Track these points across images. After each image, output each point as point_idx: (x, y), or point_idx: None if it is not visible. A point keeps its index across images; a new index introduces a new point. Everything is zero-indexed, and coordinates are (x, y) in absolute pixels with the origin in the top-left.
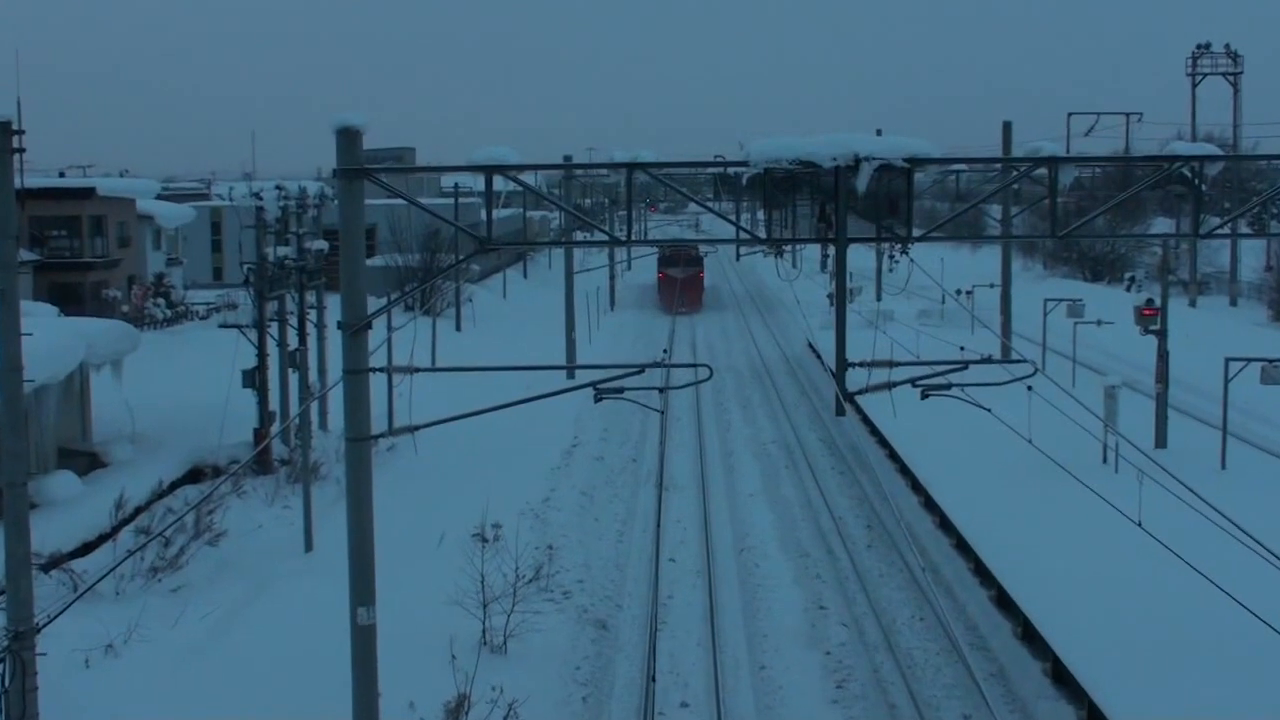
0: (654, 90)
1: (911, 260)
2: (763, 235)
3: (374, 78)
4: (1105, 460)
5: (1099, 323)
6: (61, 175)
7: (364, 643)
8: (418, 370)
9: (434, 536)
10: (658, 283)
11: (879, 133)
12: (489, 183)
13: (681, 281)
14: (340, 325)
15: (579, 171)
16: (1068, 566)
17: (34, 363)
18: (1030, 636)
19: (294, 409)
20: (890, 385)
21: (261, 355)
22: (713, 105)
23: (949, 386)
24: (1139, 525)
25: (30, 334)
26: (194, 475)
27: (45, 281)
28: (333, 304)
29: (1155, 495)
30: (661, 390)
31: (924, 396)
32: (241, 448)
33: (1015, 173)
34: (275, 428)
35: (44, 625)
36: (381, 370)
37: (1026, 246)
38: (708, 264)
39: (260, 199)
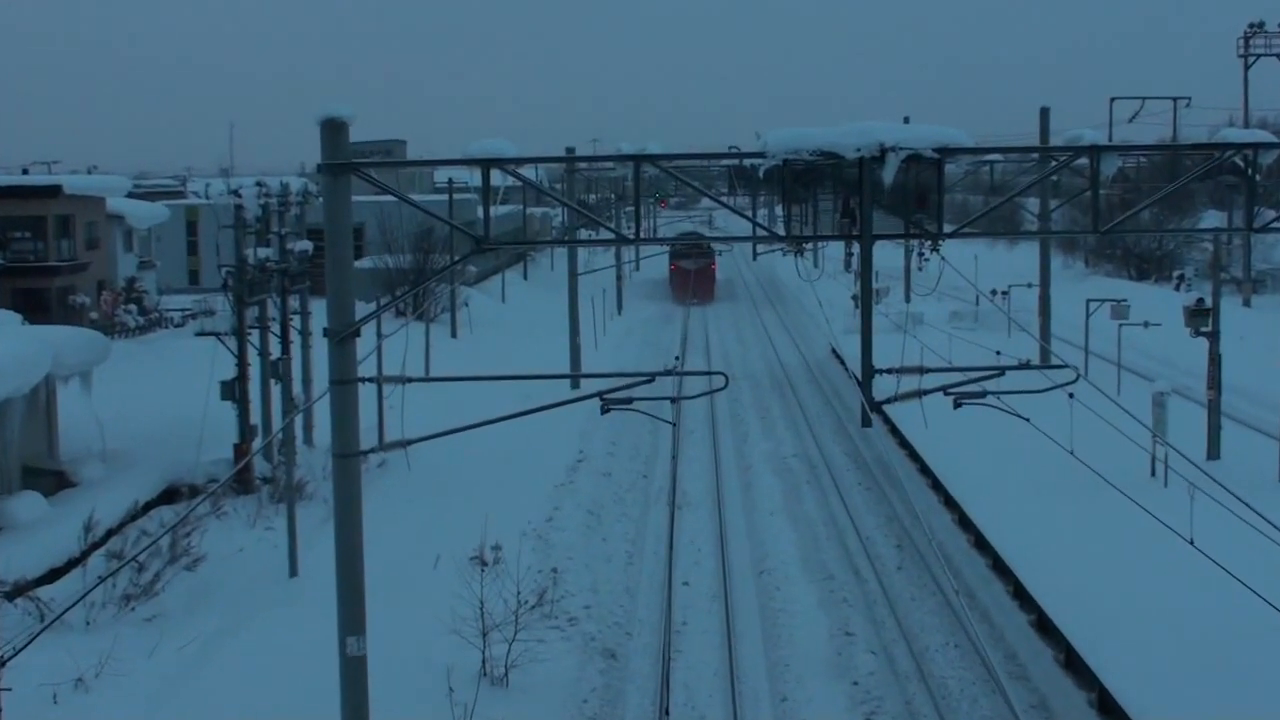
0: (663, 79)
1: (942, 258)
2: (781, 232)
3: (361, 66)
4: (1154, 473)
5: (1146, 325)
6: (25, 172)
7: (354, 675)
8: (410, 380)
9: (429, 559)
10: (670, 275)
11: (906, 121)
12: (486, 177)
13: (694, 273)
14: (326, 332)
15: (582, 165)
16: (1114, 588)
17: None
18: (1074, 664)
19: (277, 423)
20: (920, 394)
21: (241, 365)
22: (726, 95)
23: (984, 395)
24: (1190, 543)
25: None
26: (169, 495)
27: (8, 287)
28: (318, 309)
29: (1208, 510)
30: (674, 401)
31: (957, 406)
32: (220, 465)
33: (1054, 163)
34: (257, 443)
35: (9, 658)
36: (371, 380)
37: (1067, 243)
38: (721, 264)
39: (239, 197)
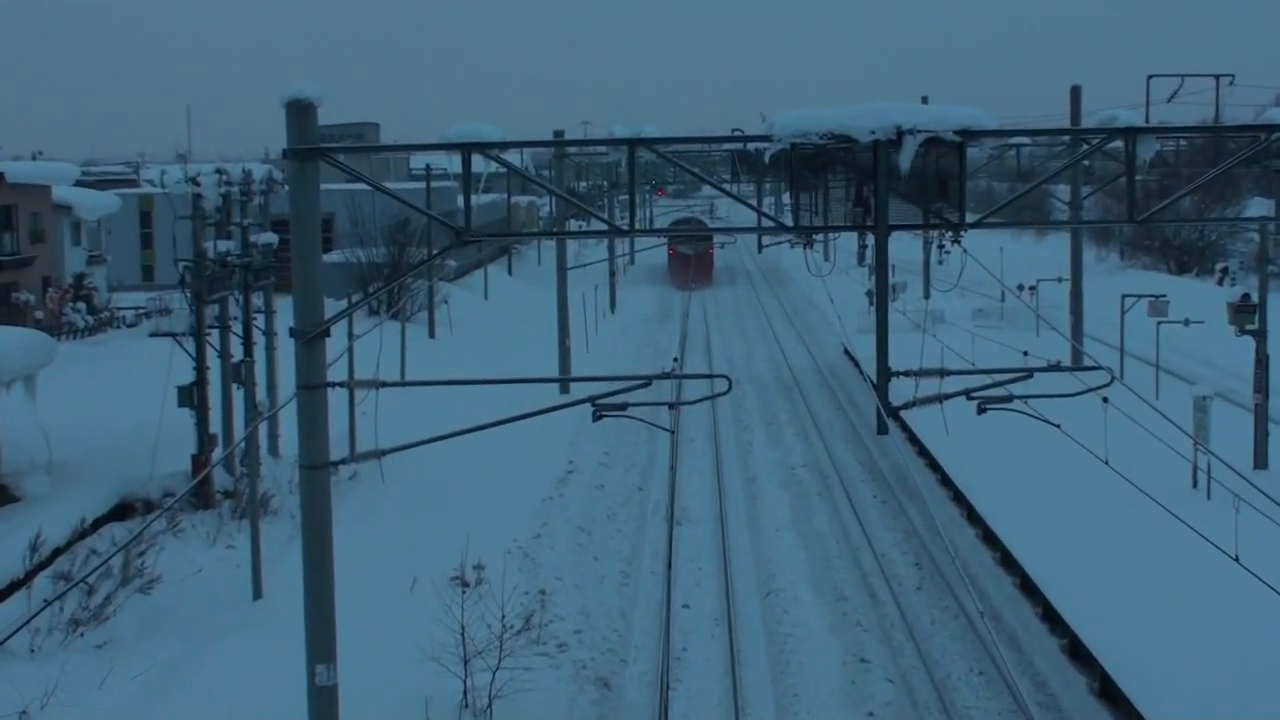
0: (660, 57)
1: (965, 251)
2: (789, 222)
3: (331, 42)
4: (1195, 484)
5: (1186, 322)
6: None
7: (324, 706)
8: (385, 384)
9: (405, 580)
10: (669, 259)
11: (925, 101)
12: (467, 163)
13: (693, 258)
14: (292, 332)
15: (572, 149)
16: (1153, 608)
17: None
18: (1109, 694)
19: (239, 432)
20: (941, 398)
21: (200, 369)
22: (728, 74)
23: (1010, 399)
24: (1235, 560)
25: None
26: (122, 511)
27: None
28: (284, 308)
29: (1254, 524)
30: (672, 406)
31: (981, 411)
32: (177, 478)
33: (1086, 146)
34: (217, 454)
35: None
36: (342, 385)
37: (1100, 234)
38: (724, 257)
39: (197, 185)
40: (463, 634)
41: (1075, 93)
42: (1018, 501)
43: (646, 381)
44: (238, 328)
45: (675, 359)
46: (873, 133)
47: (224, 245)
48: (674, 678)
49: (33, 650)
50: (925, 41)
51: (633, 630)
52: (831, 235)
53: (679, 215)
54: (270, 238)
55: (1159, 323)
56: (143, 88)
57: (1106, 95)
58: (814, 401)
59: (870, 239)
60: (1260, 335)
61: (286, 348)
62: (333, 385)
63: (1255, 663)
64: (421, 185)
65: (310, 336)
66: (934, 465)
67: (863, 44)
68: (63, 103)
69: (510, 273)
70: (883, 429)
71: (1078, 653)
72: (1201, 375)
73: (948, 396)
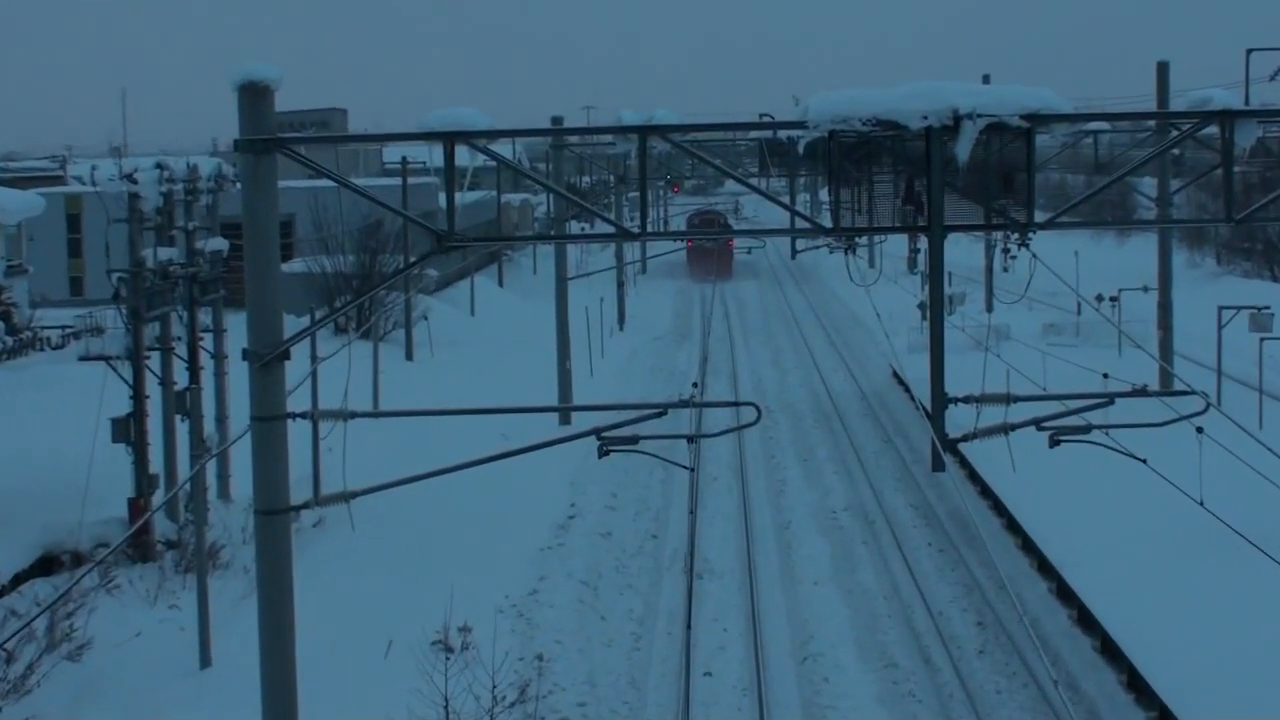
0: (675, 32)
1: (1033, 255)
2: (827, 223)
3: (290, 14)
4: None
5: None
6: None
7: None
8: (354, 415)
9: (379, 645)
10: (687, 252)
11: (986, 81)
12: (450, 155)
13: (714, 251)
14: (246, 355)
15: (574, 139)
16: (1256, 674)
17: None
18: None
19: (184, 471)
20: (1007, 429)
21: (139, 398)
22: (756, 52)
23: (1088, 429)
24: None
25: None
26: (46, 565)
27: None
28: (236, 326)
29: None
30: (691, 440)
31: (1054, 444)
32: (112, 526)
33: (1175, 133)
34: (158, 497)
35: None
36: (305, 416)
37: (1192, 235)
38: (753, 262)
39: (134, 182)
40: (446, 708)
41: (1162, 69)
42: (1097, 550)
43: (661, 410)
44: (182, 349)
45: (695, 384)
46: (925, 118)
47: (165, 253)
48: None
49: None
50: (986, 9)
51: (646, 702)
52: (877, 238)
53: (696, 209)
54: (220, 244)
55: (1263, 339)
56: (70, 69)
57: (1199, 73)
58: (858, 433)
59: (923, 242)
60: None
61: (239, 373)
62: (293, 416)
63: None
64: (397, 181)
65: (267, 359)
66: (998, 508)
67: (912, 13)
68: None
69: (501, 284)
70: (938, 465)
71: None
72: None
73: (1014, 427)
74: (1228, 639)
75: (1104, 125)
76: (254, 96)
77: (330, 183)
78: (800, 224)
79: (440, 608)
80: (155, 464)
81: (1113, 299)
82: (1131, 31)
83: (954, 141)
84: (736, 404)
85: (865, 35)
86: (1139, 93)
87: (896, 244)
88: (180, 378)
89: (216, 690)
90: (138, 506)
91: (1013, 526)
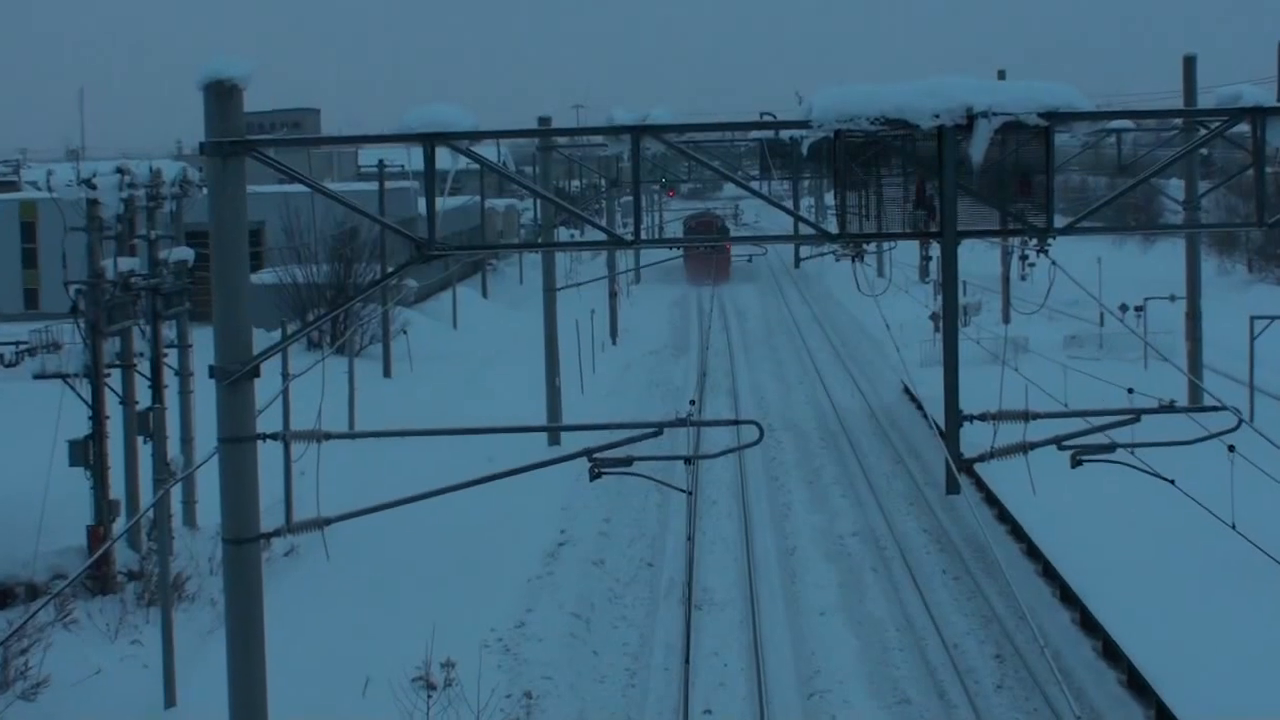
0: (671, 26)
1: (1053, 263)
2: (833, 229)
3: (260, 8)
4: None
5: None
6: None
7: None
8: (329, 436)
9: (356, 682)
10: (684, 255)
11: (1002, 77)
12: (430, 158)
13: (711, 253)
14: (214, 372)
15: (562, 140)
16: None
17: None
18: None
19: (147, 497)
20: (1026, 447)
21: (98, 418)
22: (756, 46)
23: (1112, 448)
24: None
25: None
26: None
27: None
28: (202, 341)
29: None
30: (689, 461)
31: (1076, 464)
32: (69, 556)
33: (1203, 131)
34: (119, 525)
35: None
36: (276, 437)
37: (1222, 240)
38: (752, 270)
39: (93, 188)
40: None
41: (1189, 64)
42: (1123, 577)
43: (657, 430)
44: (144, 366)
45: (692, 401)
46: (937, 116)
47: (127, 263)
48: None
49: None
50: (1001, 2)
51: None
52: (886, 245)
53: (692, 213)
54: (185, 253)
55: None
56: (25, 68)
57: (1227, 67)
58: (867, 453)
59: (935, 249)
60: None
61: (205, 391)
62: (264, 438)
63: None
64: (374, 186)
65: (235, 377)
66: (1017, 532)
67: (923, 3)
68: None
69: (485, 295)
70: (953, 487)
71: None
72: None
73: (1034, 445)
74: (1265, 673)
75: (1128, 124)
76: (221, 96)
77: (303, 188)
78: (804, 230)
79: (421, 642)
80: (116, 489)
81: (1138, 309)
82: (1157, 24)
83: (968, 141)
84: (737, 422)
85: (873, 28)
86: (1164, 89)
87: (907, 251)
88: (143, 397)
89: None
90: (97, 535)
91: (1033, 552)
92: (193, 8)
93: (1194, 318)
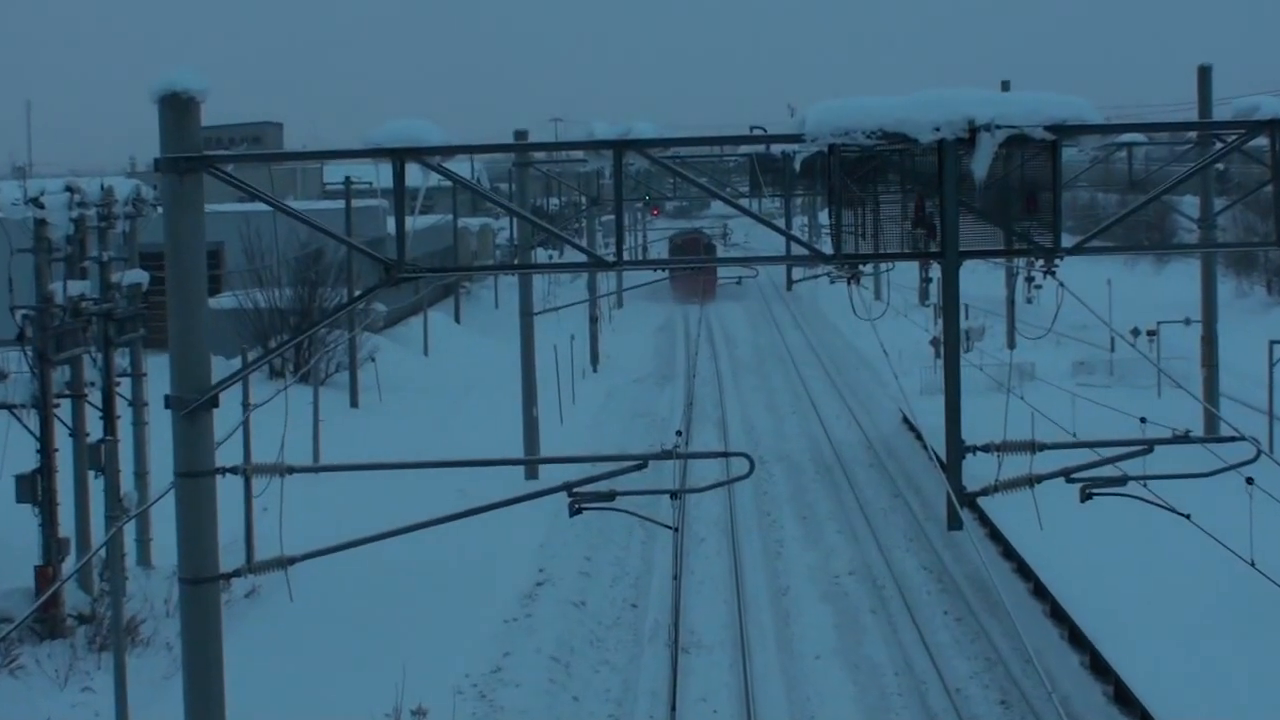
0: (655, 34)
1: (1060, 284)
2: (827, 249)
3: (218, 18)
4: None
5: None
6: None
7: None
8: (292, 470)
9: None
10: (669, 274)
11: (1005, 88)
12: (399, 175)
13: (698, 272)
14: (170, 402)
15: (540, 155)
16: None
17: None
18: None
19: (98, 535)
20: (1032, 480)
21: (47, 451)
22: (746, 56)
23: (1124, 481)
24: None
25: None
26: None
27: None
28: (157, 369)
29: None
30: (675, 495)
31: (1086, 497)
32: (15, 597)
33: (1219, 145)
34: (69, 565)
35: None
36: (236, 471)
37: (1240, 260)
38: (742, 291)
39: (40, 207)
40: None
41: (1204, 74)
42: (1135, 617)
43: (641, 462)
44: (95, 396)
45: (679, 432)
46: (938, 129)
47: (77, 287)
48: None
49: None
50: (1006, 7)
51: None
52: (884, 266)
53: (676, 231)
54: (139, 276)
55: None
56: None
57: (1244, 78)
58: (864, 487)
59: (936, 270)
60: None
61: (161, 422)
62: (223, 472)
63: None
64: (340, 205)
65: (193, 407)
66: (1023, 570)
67: (922, 11)
68: None
69: (458, 320)
70: (955, 523)
71: None
72: None
73: (1041, 478)
74: None
75: (1139, 137)
76: (177, 109)
77: (264, 206)
78: (797, 250)
79: (391, 688)
80: (66, 527)
81: (1150, 333)
82: (1170, 33)
83: (970, 156)
84: (726, 454)
85: (869, 37)
86: (1178, 100)
87: (906, 272)
88: (94, 428)
89: None
90: (45, 575)
91: (1039, 591)
92: (148, 16)
93: (1210, 342)
